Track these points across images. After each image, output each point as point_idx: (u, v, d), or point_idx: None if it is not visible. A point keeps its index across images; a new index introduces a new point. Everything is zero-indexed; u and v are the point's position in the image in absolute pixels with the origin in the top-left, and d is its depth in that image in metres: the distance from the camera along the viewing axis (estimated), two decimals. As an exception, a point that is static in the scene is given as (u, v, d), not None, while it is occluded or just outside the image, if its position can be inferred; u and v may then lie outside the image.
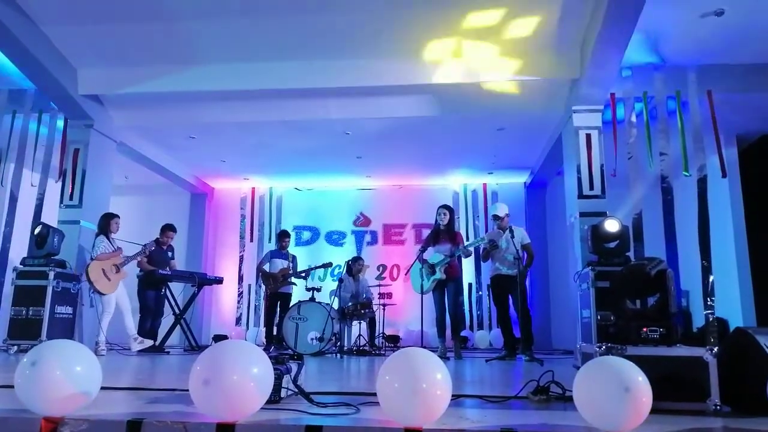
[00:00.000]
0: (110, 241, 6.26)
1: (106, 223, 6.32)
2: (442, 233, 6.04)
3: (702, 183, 5.86)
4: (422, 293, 6.03)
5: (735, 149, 6.92)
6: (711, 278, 5.75)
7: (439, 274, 5.87)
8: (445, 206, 6.18)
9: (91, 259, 6.04)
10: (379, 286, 7.95)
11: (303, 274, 7.30)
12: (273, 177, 9.70)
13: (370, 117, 6.72)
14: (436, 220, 6.09)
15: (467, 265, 9.05)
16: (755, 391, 2.18)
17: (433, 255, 6.02)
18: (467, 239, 8.62)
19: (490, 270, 6.15)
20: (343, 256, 9.01)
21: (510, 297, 5.87)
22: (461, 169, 9.15)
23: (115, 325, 6.19)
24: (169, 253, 7.10)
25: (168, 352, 6.53)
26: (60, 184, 6.54)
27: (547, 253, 8.92)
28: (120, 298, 6.15)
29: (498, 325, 6.33)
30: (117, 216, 6.43)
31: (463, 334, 8.25)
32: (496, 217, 5.95)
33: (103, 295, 5.98)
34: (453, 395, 1.86)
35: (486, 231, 9.40)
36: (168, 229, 7.02)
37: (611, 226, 4.87)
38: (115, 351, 6.21)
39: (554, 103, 6.23)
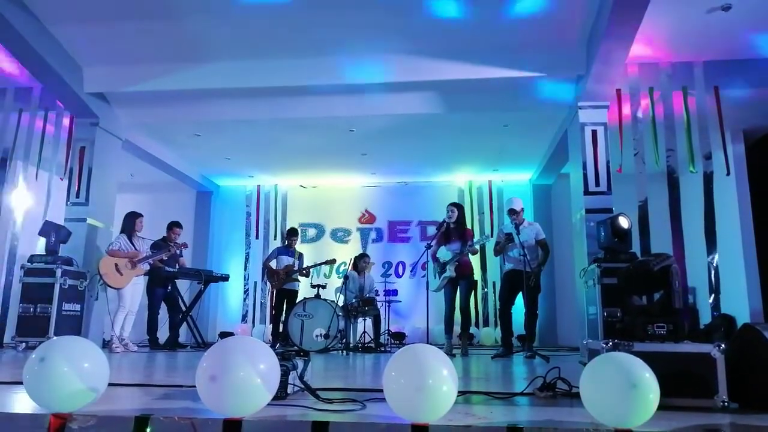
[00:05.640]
0: (131, 241, 6.18)
1: (130, 223, 6.25)
2: (452, 231, 6.03)
3: (709, 179, 5.83)
4: (434, 291, 6.04)
5: (742, 145, 6.87)
6: (718, 274, 5.72)
7: (449, 272, 5.87)
8: (454, 204, 6.16)
9: (105, 253, 6.04)
10: (384, 283, 7.95)
11: (305, 271, 7.31)
12: (278, 174, 9.72)
13: (375, 114, 6.72)
14: (445, 218, 6.08)
15: (473, 262, 9.03)
16: (763, 387, 2.17)
17: (444, 253, 6.02)
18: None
19: (504, 265, 6.19)
20: (349, 253, 9.00)
21: (520, 294, 5.80)
22: (466, 166, 9.13)
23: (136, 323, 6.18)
24: (179, 251, 7.10)
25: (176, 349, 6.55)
26: (66, 182, 6.56)
27: (553, 250, 8.80)
28: (132, 297, 6.08)
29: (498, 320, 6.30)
30: (140, 215, 6.34)
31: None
32: (512, 212, 5.87)
33: (115, 289, 5.92)
34: (459, 392, 1.86)
35: (492, 228, 9.40)
36: (174, 225, 7.01)
37: (625, 222, 4.85)
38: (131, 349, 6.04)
39: (560, 99, 6.21)
